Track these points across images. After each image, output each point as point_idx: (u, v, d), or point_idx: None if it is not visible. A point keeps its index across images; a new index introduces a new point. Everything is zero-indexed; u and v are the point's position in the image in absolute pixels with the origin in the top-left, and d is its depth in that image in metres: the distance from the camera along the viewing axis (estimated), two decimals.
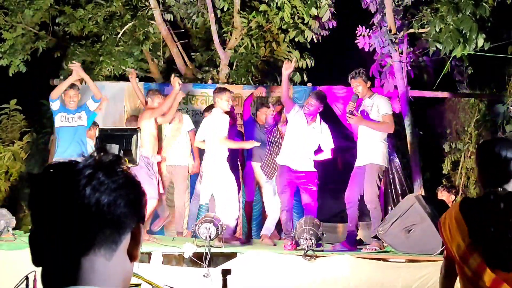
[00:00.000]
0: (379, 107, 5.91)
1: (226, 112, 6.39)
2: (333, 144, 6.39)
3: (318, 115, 6.32)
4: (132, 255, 1.08)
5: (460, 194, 8.56)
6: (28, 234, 1.08)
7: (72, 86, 6.47)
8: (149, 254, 5.47)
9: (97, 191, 1.02)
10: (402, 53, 7.92)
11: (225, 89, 6.40)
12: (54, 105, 6.45)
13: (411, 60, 8.12)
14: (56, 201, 1.02)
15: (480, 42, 6.91)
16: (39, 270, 1.05)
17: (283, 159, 6.25)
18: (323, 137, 6.33)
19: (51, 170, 1.07)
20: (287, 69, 6.13)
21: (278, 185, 6.30)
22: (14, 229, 5.83)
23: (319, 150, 6.39)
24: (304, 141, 6.20)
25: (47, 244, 1.03)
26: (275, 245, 6.25)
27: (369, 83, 6.06)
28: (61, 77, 8.80)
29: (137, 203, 1.09)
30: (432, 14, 7.46)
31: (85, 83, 6.77)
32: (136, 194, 1.09)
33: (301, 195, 6.33)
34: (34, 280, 2.71)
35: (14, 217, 5.89)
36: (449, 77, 8.55)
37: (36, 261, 1.05)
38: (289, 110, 6.25)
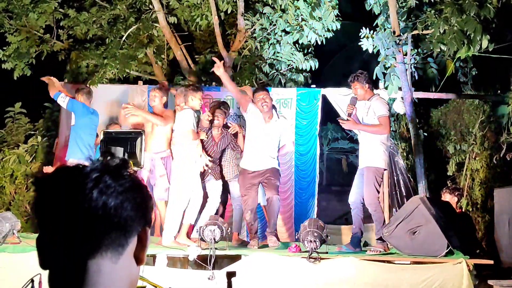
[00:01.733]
0: (375, 109, 5.92)
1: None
2: (293, 137, 6.33)
3: (274, 111, 6.29)
4: (138, 258, 1.09)
5: (465, 196, 8.54)
6: (33, 236, 1.08)
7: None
8: (154, 256, 5.48)
9: (104, 194, 1.02)
10: (406, 54, 7.92)
11: (200, 88, 6.33)
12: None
13: (415, 61, 8.11)
14: (63, 205, 1.02)
15: (485, 43, 6.90)
16: (44, 272, 1.05)
17: (244, 162, 6.22)
18: (283, 131, 6.31)
19: (58, 174, 1.07)
20: (219, 68, 5.95)
21: (240, 187, 6.25)
22: (19, 232, 5.84)
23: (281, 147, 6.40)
24: (264, 140, 6.15)
25: (54, 247, 1.03)
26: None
27: (367, 85, 6.03)
28: (66, 80, 8.83)
29: (143, 206, 1.09)
30: (436, 15, 7.45)
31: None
32: (143, 197, 1.09)
33: (265, 191, 6.27)
34: (40, 283, 2.71)
35: (19, 220, 5.90)
36: (453, 78, 8.53)
37: (43, 264, 1.05)
38: (246, 109, 6.17)
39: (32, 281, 2.60)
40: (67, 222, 1.01)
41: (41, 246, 1.05)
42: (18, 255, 5.17)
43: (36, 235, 1.07)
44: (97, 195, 1.02)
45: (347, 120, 6.06)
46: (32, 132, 9.39)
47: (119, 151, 3.79)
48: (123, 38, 9.02)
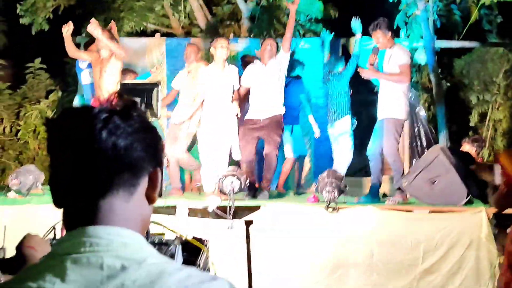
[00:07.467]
0: (396, 57, 5.81)
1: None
2: None
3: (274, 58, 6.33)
4: (150, 198, 1.10)
5: (486, 147, 8.43)
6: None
7: None
8: (175, 207, 5.57)
9: (113, 135, 1.02)
10: (428, 1, 7.69)
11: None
12: None
13: (438, 9, 7.87)
14: (73, 145, 1.03)
15: None
16: None
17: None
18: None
19: (68, 115, 1.07)
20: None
21: (240, 139, 6.29)
22: (43, 184, 5.98)
23: None
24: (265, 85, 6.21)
25: (66, 187, 1.04)
26: None
27: (389, 33, 5.91)
28: (83, 35, 8.81)
29: (153, 147, 1.09)
30: None
31: None
32: (153, 138, 1.09)
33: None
34: (62, 229, 2.78)
35: (42, 172, 6.03)
36: (478, 26, 8.28)
37: (57, 203, 1.07)
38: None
39: (54, 228, 2.66)
40: (78, 162, 1.02)
41: (54, 186, 1.07)
42: (42, 206, 5.30)
43: None
44: (106, 136, 1.02)
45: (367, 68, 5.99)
46: (53, 88, 9.45)
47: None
48: None
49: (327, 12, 8.98)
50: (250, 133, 6.18)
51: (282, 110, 6.29)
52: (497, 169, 3.20)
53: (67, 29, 6.36)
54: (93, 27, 6.14)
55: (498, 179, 3.18)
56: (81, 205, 1.04)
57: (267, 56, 6.17)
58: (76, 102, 7.26)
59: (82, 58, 6.76)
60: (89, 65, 6.58)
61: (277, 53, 6.25)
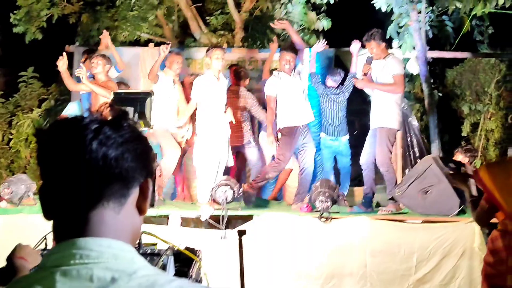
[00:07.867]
0: (390, 67, 5.84)
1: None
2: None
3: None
4: (140, 208, 1.09)
5: (479, 157, 8.47)
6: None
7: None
8: (167, 216, 5.55)
9: (104, 146, 1.02)
10: (420, 12, 7.73)
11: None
12: None
13: (430, 19, 7.92)
14: (63, 156, 1.02)
15: None
16: None
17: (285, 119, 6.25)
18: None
19: (58, 125, 1.07)
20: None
21: (283, 147, 6.23)
22: (34, 194, 5.94)
23: None
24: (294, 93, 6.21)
25: (56, 198, 1.04)
26: None
27: (383, 44, 5.95)
28: (77, 44, 8.81)
29: (144, 157, 1.09)
30: None
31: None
32: (143, 148, 1.09)
33: (300, 159, 6.31)
34: (53, 240, 2.76)
35: (34, 182, 5.99)
36: (469, 36, 8.35)
37: (47, 215, 1.06)
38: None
39: (45, 238, 2.64)
40: (68, 173, 1.01)
41: (44, 197, 1.06)
42: (34, 216, 5.27)
43: None
44: (97, 146, 1.01)
45: (361, 78, 6.03)
46: (46, 97, 9.42)
47: (129, 111, 3.80)
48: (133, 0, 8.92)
49: (320, 22, 9.00)
50: (293, 142, 6.13)
51: (312, 117, 6.38)
52: (472, 180, 3.15)
53: (62, 63, 6.23)
54: (79, 72, 6.17)
55: (474, 189, 3.16)
56: (71, 216, 1.03)
57: (288, 69, 6.19)
58: (72, 107, 7.15)
59: (82, 89, 6.58)
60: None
61: (296, 67, 6.33)
